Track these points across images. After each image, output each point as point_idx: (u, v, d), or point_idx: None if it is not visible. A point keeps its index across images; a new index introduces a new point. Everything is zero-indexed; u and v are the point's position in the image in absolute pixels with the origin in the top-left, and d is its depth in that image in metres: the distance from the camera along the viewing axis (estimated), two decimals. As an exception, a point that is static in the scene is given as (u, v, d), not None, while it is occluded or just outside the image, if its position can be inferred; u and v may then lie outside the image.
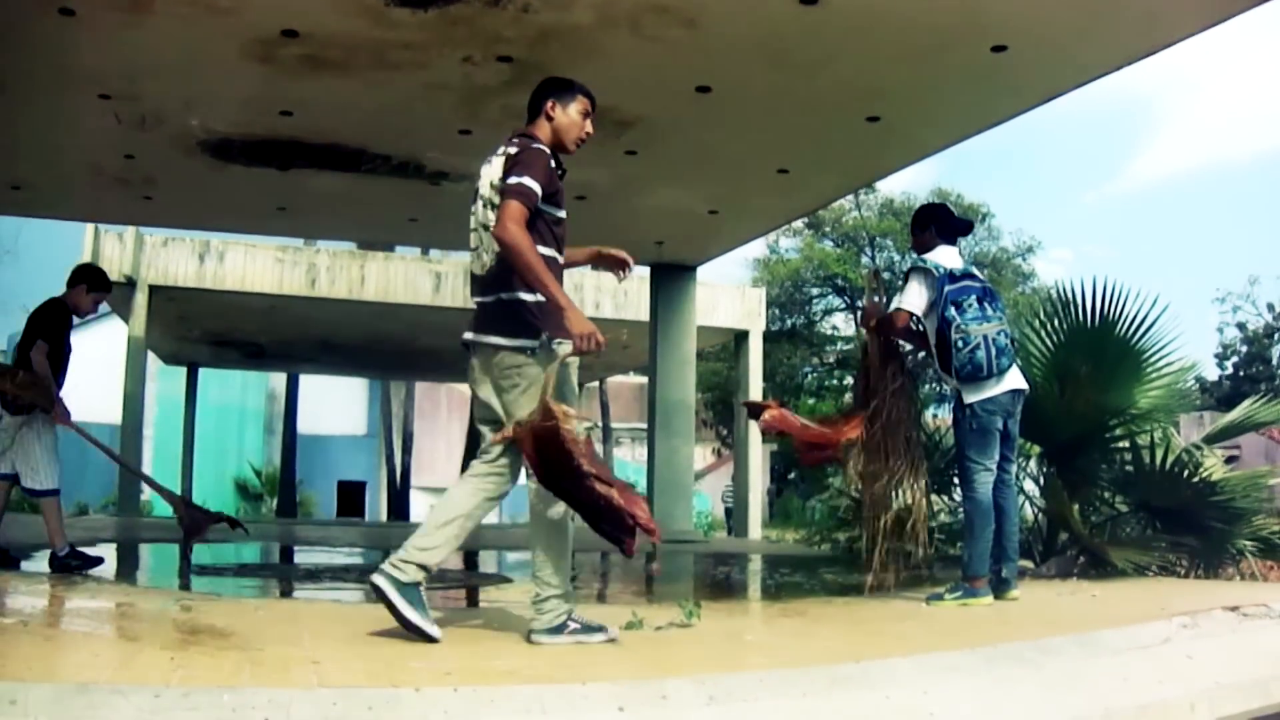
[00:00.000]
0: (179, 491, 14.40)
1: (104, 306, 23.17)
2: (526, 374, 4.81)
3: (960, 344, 6.70)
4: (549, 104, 5.17)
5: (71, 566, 8.03)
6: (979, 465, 6.79)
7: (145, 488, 16.89)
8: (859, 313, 7.69)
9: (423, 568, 4.74)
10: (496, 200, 4.84)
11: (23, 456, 8.12)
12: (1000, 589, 6.86)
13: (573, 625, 4.92)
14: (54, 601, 6.18)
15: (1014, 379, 6.83)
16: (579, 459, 4.40)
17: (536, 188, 4.80)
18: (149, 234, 19.42)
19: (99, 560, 8.50)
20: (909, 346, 7.39)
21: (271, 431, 37.67)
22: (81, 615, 5.88)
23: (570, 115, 5.18)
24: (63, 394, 8.29)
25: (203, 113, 10.85)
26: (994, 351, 6.66)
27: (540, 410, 4.51)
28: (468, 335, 5.02)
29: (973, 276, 6.92)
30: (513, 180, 4.80)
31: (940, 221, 7.22)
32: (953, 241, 7.14)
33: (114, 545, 9.18)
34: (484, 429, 5.04)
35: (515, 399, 4.81)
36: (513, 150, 4.97)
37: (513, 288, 4.85)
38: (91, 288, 8.62)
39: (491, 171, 5.01)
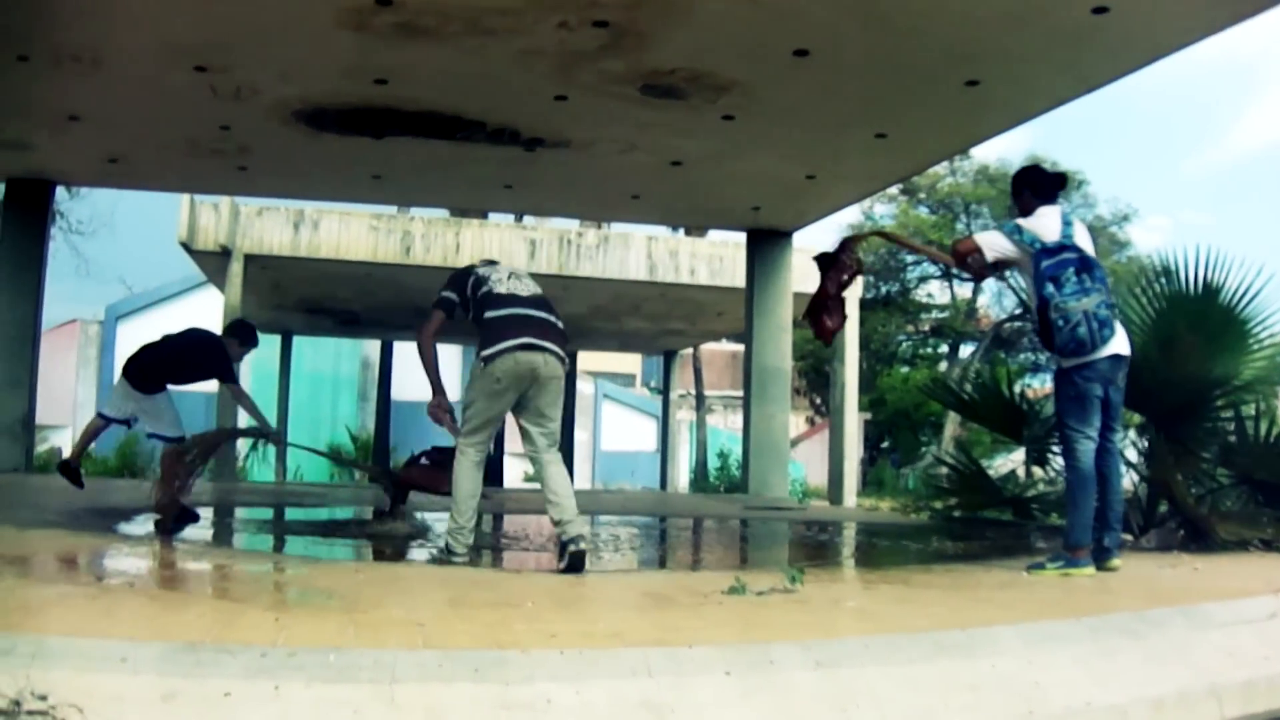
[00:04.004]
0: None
1: (199, 275, 23.63)
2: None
3: (1061, 323, 6.61)
4: None
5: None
6: (1079, 433, 6.71)
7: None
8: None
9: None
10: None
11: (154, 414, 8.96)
12: (1101, 558, 6.77)
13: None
14: (157, 563, 6.30)
15: (1115, 344, 6.71)
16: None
17: None
18: (244, 204, 19.59)
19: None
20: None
21: (365, 398, 37.83)
22: (184, 576, 5.98)
23: None
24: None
25: (297, 82, 10.94)
26: (1095, 325, 6.57)
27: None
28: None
29: (1069, 247, 6.78)
30: None
31: (1033, 184, 7.14)
32: (1052, 199, 7.04)
33: (211, 509, 9.32)
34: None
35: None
36: None
37: None
38: (243, 343, 9.38)
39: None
